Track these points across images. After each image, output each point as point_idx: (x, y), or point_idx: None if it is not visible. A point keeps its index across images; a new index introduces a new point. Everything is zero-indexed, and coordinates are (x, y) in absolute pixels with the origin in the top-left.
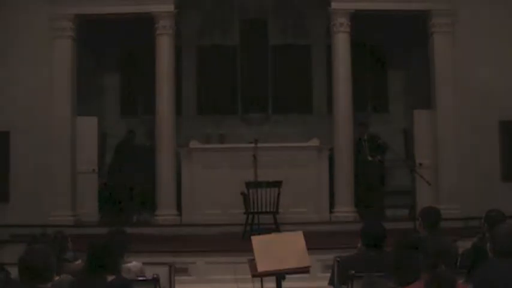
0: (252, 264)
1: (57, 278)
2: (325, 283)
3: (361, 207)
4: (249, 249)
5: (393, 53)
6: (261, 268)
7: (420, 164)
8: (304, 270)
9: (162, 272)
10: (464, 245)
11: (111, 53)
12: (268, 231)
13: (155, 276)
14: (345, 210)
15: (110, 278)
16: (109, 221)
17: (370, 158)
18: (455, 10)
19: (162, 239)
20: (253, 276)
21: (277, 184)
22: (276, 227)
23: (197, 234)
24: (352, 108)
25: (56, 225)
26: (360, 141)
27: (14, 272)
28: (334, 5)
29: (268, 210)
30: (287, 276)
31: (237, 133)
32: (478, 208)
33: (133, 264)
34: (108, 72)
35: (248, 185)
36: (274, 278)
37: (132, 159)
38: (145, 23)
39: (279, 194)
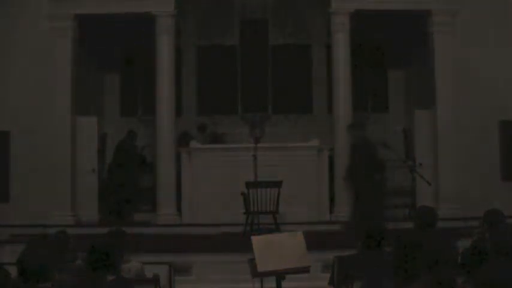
0: (252, 264)
1: (57, 277)
2: (325, 283)
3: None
4: (249, 249)
5: (393, 53)
6: (261, 268)
7: (420, 164)
8: (304, 270)
9: (162, 272)
10: (464, 245)
11: (111, 53)
12: (268, 231)
13: (155, 276)
14: (345, 210)
15: (110, 278)
16: (109, 221)
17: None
18: (455, 10)
19: (162, 239)
20: (253, 276)
21: (277, 184)
22: (276, 227)
23: (197, 234)
24: (352, 108)
25: (56, 225)
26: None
27: (13, 272)
28: (334, 5)
29: (268, 210)
30: (287, 276)
31: (237, 133)
32: (478, 208)
33: (133, 264)
34: (108, 72)
35: (248, 185)
36: (274, 278)
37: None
38: (145, 23)
39: (278, 194)
